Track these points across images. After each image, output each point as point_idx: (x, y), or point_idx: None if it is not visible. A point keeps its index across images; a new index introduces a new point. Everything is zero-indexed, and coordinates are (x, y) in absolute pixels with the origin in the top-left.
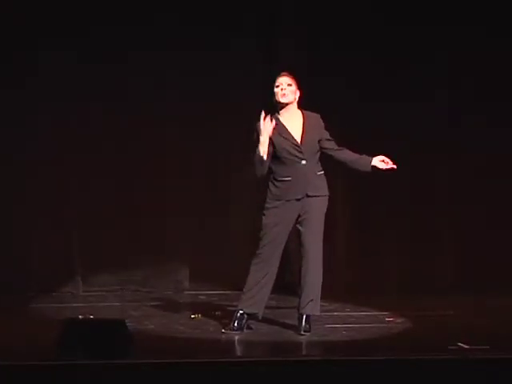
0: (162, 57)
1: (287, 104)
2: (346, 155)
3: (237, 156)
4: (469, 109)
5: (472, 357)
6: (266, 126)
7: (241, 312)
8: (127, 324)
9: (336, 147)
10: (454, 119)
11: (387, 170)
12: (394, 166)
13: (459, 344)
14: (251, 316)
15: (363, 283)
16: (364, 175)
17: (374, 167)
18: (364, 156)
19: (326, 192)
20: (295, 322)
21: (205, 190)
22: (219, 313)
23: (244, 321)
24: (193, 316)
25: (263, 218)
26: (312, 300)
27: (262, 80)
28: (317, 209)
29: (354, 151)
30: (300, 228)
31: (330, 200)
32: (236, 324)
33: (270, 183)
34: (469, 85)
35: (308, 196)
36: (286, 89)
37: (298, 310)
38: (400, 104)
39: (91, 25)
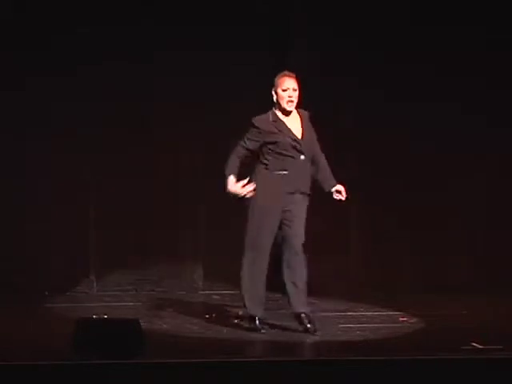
0: (169, 57)
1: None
2: (321, 164)
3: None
4: (477, 109)
5: (486, 357)
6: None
7: (255, 316)
8: (141, 324)
9: (319, 151)
10: (464, 120)
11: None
12: (343, 198)
13: (473, 344)
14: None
15: (376, 283)
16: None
17: (331, 193)
18: (331, 179)
19: (309, 191)
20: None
21: (219, 189)
22: (239, 312)
23: (258, 322)
24: (207, 316)
25: (250, 210)
26: (305, 297)
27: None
28: (302, 204)
29: (366, 150)
30: (286, 222)
31: (344, 200)
32: (254, 325)
33: (259, 175)
34: (474, 85)
35: (300, 193)
36: (293, 95)
37: (297, 308)
38: (415, 104)
39: (92, 25)
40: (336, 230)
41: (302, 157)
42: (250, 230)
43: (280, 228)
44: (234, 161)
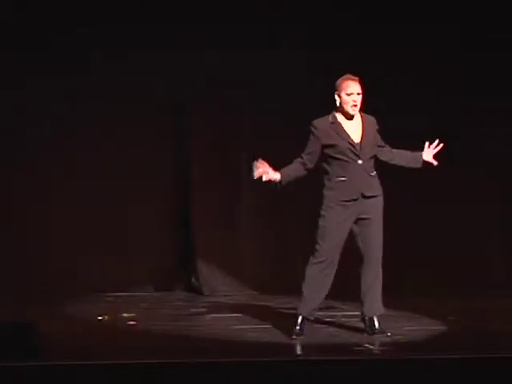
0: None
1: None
2: (395, 153)
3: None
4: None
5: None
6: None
7: (304, 317)
8: (35, 326)
9: (384, 148)
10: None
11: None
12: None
13: (366, 345)
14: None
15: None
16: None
17: (426, 162)
18: (414, 154)
19: (381, 191)
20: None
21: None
22: (126, 315)
23: (306, 324)
24: (100, 318)
25: (321, 220)
26: (378, 301)
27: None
28: (375, 209)
29: None
30: (360, 229)
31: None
32: (301, 328)
33: (324, 186)
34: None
35: (364, 197)
36: (357, 100)
37: (365, 312)
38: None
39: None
40: None
41: (360, 161)
42: (320, 240)
43: (355, 237)
44: (291, 165)
